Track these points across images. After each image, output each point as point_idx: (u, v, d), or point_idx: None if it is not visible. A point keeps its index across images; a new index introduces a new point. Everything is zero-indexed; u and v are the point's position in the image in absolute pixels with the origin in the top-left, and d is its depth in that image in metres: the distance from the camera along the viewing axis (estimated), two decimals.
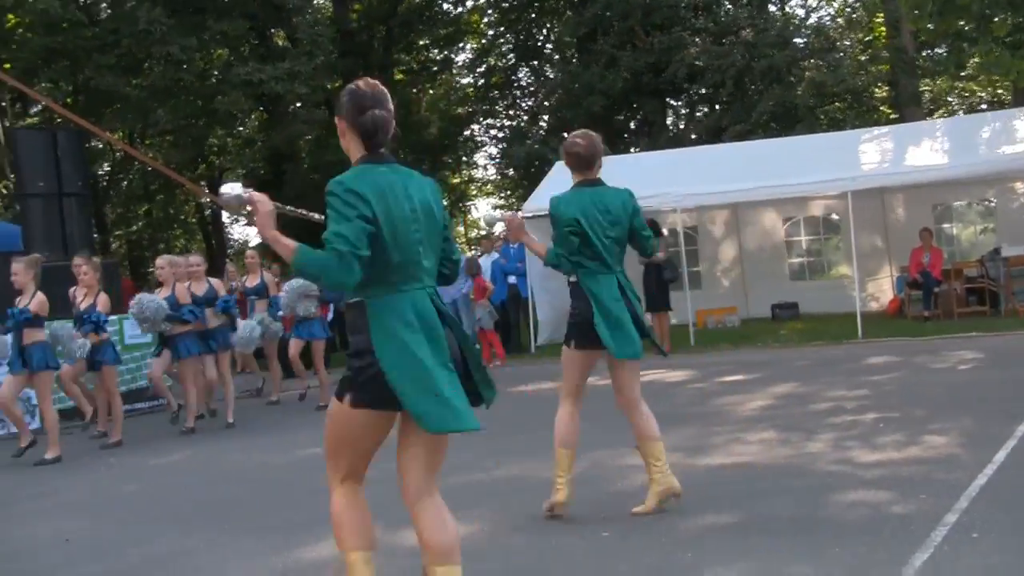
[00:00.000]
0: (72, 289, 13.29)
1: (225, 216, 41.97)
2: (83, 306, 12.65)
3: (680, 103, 34.22)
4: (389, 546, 6.44)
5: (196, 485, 9.74)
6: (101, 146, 32.13)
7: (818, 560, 5.49)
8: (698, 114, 33.37)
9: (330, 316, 20.96)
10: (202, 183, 35.74)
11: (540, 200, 20.62)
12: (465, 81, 39.11)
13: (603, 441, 9.65)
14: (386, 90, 4.77)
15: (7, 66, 25.29)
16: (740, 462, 8.32)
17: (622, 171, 21.23)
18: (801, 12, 34.43)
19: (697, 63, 28.65)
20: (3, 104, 31.01)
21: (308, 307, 14.67)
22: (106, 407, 13.27)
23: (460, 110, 38.14)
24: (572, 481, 6.94)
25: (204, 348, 13.75)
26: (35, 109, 33.17)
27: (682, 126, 33.10)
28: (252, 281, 15.60)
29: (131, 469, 10.89)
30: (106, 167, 35.49)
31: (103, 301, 12.72)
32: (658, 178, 19.96)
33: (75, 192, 17.16)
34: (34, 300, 11.84)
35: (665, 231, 19.37)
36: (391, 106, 4.72)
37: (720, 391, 13.08)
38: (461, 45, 38.31)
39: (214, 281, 14.33)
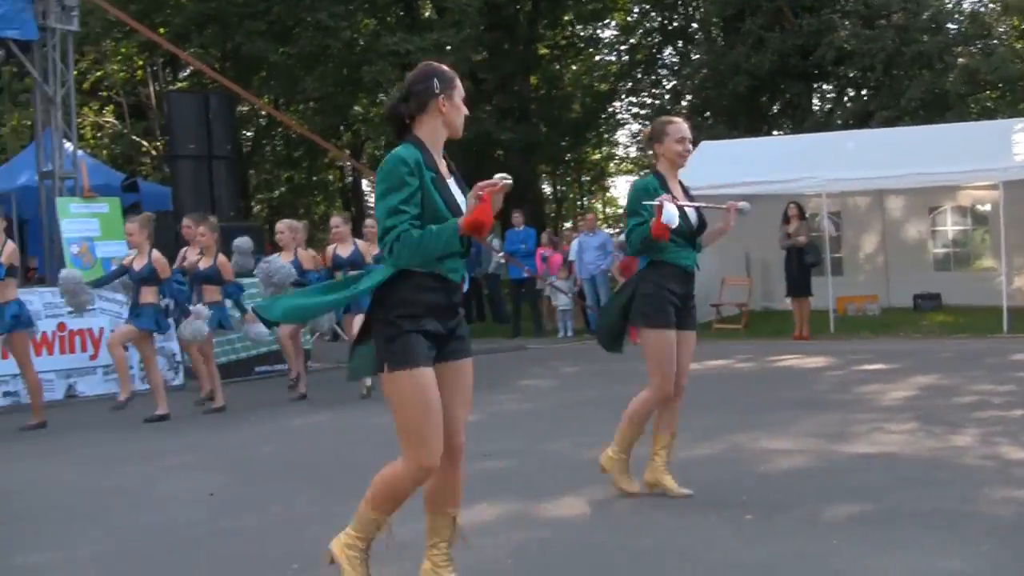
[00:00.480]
0: (183, 250, 13.28)
1: (365, 184, 42.52)
2: (203, 267, 12.51)
3: (827, 87, 33.72)
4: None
5: (338, 447, 9.84)
6: (245, 111, 32.64)
7: (967, 555, 5.38)
8: (845, 98, 32.86)
9: (465, 287, 21.08)
10: (346, 151, 36.14)
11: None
12: (609, 58, 38.97)
13: (742, 424, 9.61)
14: (421, 71, 4.92)
15: (161, 30, 25.81)
16: (883, 452, 8.18)
17: (766, 153, 21.19)
18: None
19: (846, 46, 28.16)
20: (155, 68, 31.72)
21: None
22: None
23: (603, 87, 38.02)
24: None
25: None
26: (184, 74, 33.86)
27: (828, 110, 32.59)
28: (375, 249, 15.30)
29: (273, 429, 11.03)
30: (250, 133, 36.06)
31: (224, 263, 12.55)
32: (803, 161, 19.75)
33: (224, 155, 17.43)
34: (155, 259, 11.95)
35: (807, 215, 19.15)
36: (414, 89, 4.85)
37: (861, 379, 12.89)
38: (606, 22, 38.16)
39: (360, 243, 13.82)
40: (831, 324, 18.83)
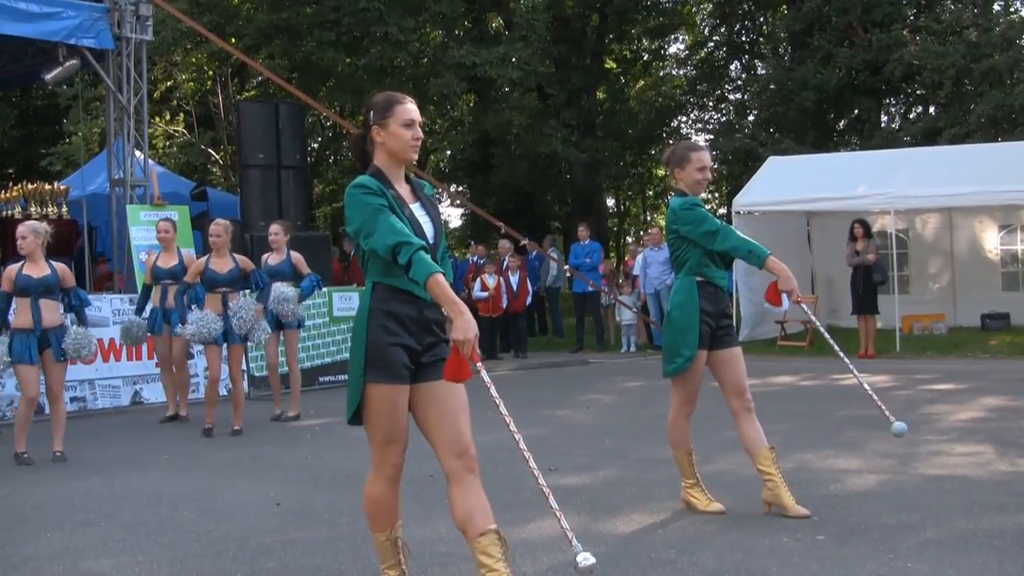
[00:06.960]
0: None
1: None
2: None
3: (896, 103, 33.39)
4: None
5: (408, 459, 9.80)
6: (312, 121, 32.79)
7: None
8: (912, 115, 32.54)
9: (529, 300, 21.12)
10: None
11: (750, 195, 20.40)
12: (675, 73, 38.86)
13: (810, 443, 9.53)
14: (366, 104, 5.11)
15: (232, 41, 26.03)
16: (955, 474, 8.08)
17: (834, 169, 21.00)
18: None
19: (915, 62, 27.87)
20: (223, 79, 31.98)
21: None
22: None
23: (668, 103, 37.90)
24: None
25: None
26: (252, 84, 34.14)
27: (896, 126, 32.29)
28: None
29: (337, 439, 11.00)
30: (315, 145, 36.23)
31: (297, 258, 12.65)
32: (870, 178, 19.59)
33: (293, 165, 17.56)
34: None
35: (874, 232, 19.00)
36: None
37: (928, 399, 12.75)
38: (673, 37, 38.05)
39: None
40: (897, 343, 18.65)
